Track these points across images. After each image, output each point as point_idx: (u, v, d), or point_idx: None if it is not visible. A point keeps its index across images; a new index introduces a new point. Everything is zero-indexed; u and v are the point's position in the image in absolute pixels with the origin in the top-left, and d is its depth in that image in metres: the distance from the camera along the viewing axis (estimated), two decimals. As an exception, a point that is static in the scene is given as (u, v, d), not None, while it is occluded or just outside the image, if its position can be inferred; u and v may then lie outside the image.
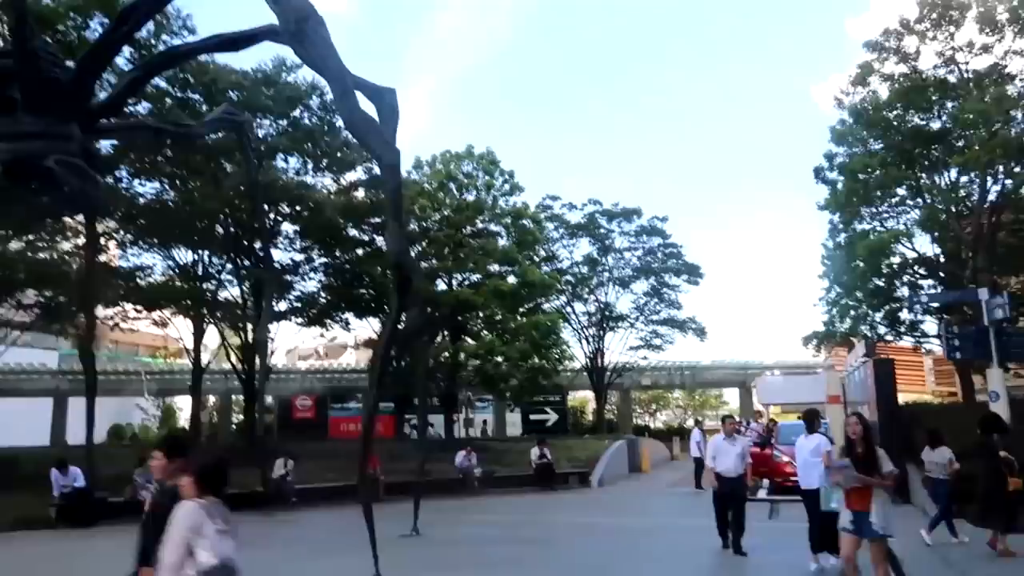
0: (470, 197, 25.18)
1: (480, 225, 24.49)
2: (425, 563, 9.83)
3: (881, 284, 20.07)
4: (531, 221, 25.35)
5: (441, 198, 24.43)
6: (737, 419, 23.59)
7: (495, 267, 24.69)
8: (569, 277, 32.83)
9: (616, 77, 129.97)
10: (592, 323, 33.68)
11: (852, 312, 22.38)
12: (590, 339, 33.71)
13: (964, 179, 18.63)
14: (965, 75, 19.86)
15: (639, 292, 33.43)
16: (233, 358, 22.50)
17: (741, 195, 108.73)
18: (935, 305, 21.61)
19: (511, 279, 23.77)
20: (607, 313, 33.13)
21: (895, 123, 20.04)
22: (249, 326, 20.79)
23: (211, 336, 24.95)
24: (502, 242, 24.26)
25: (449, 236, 23.91)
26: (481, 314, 23.51)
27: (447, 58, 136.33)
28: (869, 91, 20.06)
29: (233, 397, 45.80)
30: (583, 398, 58.65)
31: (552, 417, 44.63)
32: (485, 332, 24.05)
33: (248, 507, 15.91)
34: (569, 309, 33.47)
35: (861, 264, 18.89)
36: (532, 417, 45.08)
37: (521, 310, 23.99)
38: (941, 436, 10.88)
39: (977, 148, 16.34)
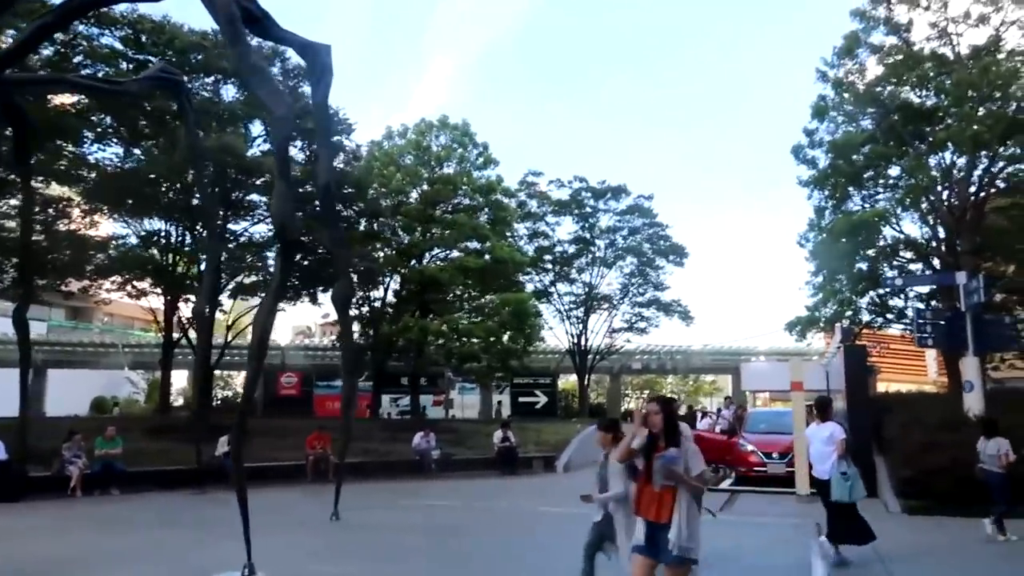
0: (448, 170, 24.35)
1: (455, 200, 23.67)
2: (317, 552, 9.19)
3: (864, 268, 19.11)
4: (504, 196, 24.43)
5: (419, 172, 23.60)
6: (696, 406, 23.27)
7: (472, 244, 23.88)
8: (548, 256, 31.90)
9: (636, 59, 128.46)
10: (577, 304, 32.83)
11: (836, 297, 21.42)
12: (575, 321, 32.91)
13: (959, 160, 17.54)
14: (958, 48, 18.77)
15: (623, 272, 32.59)
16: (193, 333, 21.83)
17: (738, 180, 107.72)
18: (922, 290, 20.69)
19: (487, 256, 22.92)
20: (591, 294, 32.23)
21: (886, 100, 18.96)
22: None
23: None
24: (479, 218, 23.38)
25: (420, 211, 23.12)
26: (448, 291, 22.76)
27: (466, 35, 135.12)
28: (856, 63, 19.00)
29: (218, 372, 45.57)
30: (575, 382, 58.33)
31: (542, 400, 44.06)
32: (463, 312, 23.26)
33: (182, 485, 15.46)
34: (553, 290, 32.73)
35: (844, 243, 17.93)
36: (521, 400, 44.57)
37: (496, 289, 23.09)
38: (996, 426, 10.14)
39: (963, 124, 15.33)
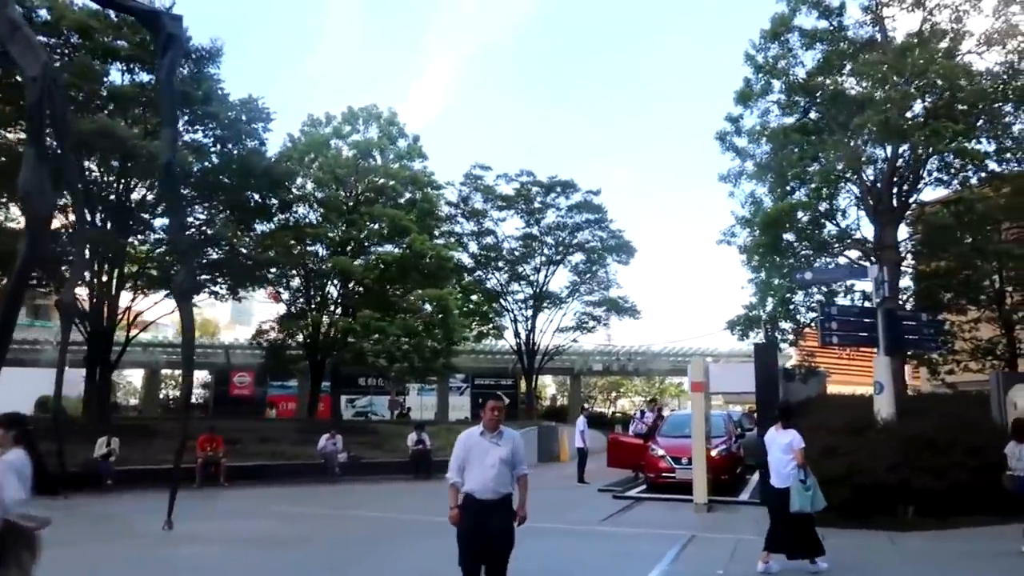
0: (376, 162, 23.40)
1: (380, 192, 22.75)
2: (73, 568, 8.06)
3: (799, 264, 18.12)
4: (432, 188, 23.48)
5: (344, 163, 22.60)
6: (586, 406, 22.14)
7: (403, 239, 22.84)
8: (495, 254, 30.94)
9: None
10: (526, 304, 31.88)
11: (775, 295, 20.43)
12: (523, 320, 31.98)
13: (880, 151, 16.58)
14: (892, 34, 17.80)
15: (572, 269, 31.71)
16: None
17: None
18: (867, 287, 19.72)
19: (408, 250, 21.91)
20: (539, 292, 31.28)
21: (817, 89, 17.99)
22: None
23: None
24: (409, 213, 22.34)
25: (342, 204, 22.17)
26: (361, 286, 21.84)
27: (466, 35, 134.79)
28: (786, 49, 18.01)
29: (165, 371, 44.61)
30: (540, 384, 57.47)
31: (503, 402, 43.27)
32: (379, 310, 22.21)
33: (45, 491, 14.45)
34: (507, 291, 31.80)
35: (766, 237, 16.95)
36: (483, 400, 43.73)
37: (422, 286, 22.08)
38: None
39: (883, 110, 14.36)
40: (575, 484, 17.62)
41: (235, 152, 19.77)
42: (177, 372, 45.83)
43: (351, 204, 22.74)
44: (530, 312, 31.76)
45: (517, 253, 31.59)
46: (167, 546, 9.73)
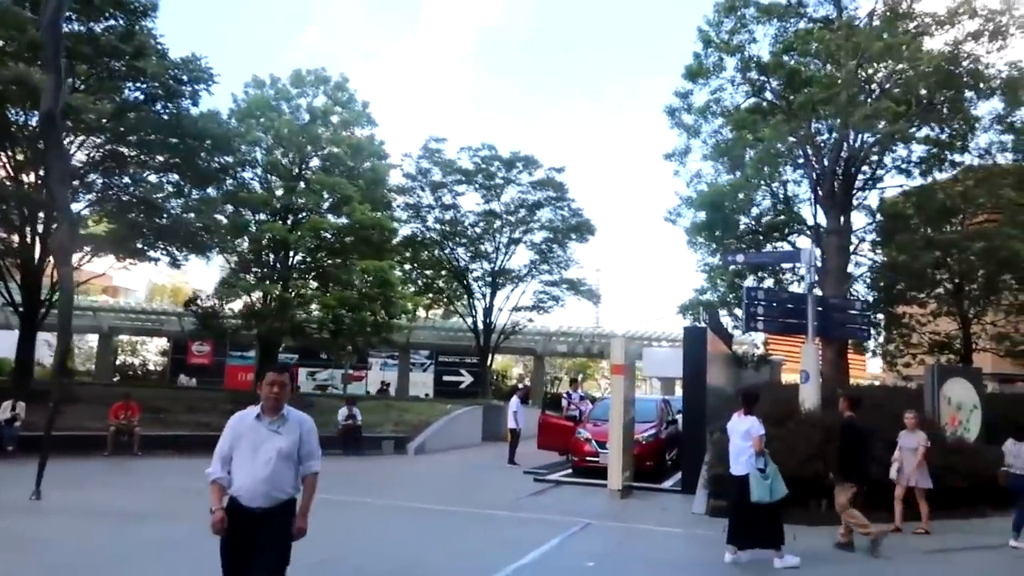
0: (325, 130, 22.56)
1: (325, 159, 21.98)
2: None
3: (740, 247, 17.60)
4: (376, 157, 22.69)
5: (289, 127, 21.73)
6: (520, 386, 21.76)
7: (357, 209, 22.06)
8: (457, 229, 30.26)
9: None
10: (484, 281, 31.26)
11: (722, 279, 19.95)
12: (480, 298, 31.44)
13: (828, 136, 16.02)
14: (854, 12, 17.18)
15: (533, 247, 31.17)
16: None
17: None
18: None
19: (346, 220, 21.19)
20: (496, 269, 30.66)
21: (773, 69, 17.36)
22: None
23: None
24: (351, 182, 21.54)
25: (286, 169, 21.38)
26: (295, 254, 21.18)
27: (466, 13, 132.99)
28: (741, 24, 17.33)
29: (127, 338, 43.78)
30: (507, 362, 57.05)
31: (467, 379, 42.78)
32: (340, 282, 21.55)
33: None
34: (461, 265, 31.18)
35: (708, 217, 16.42)
36: (446, 379, 43.30)
37: (363, 256, 21.35)
38: None
39: (828, 89, 13.77)
40: (505, 465, 17.16)
41: (168, 111, 18.92)
42: (135, 338, 45.14)
43: (295, 171, 21.91)
44: (488, 290, 31.12)
45: (479, 230, 30.90)
46: (24, 517, 9.15)
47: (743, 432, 7.99)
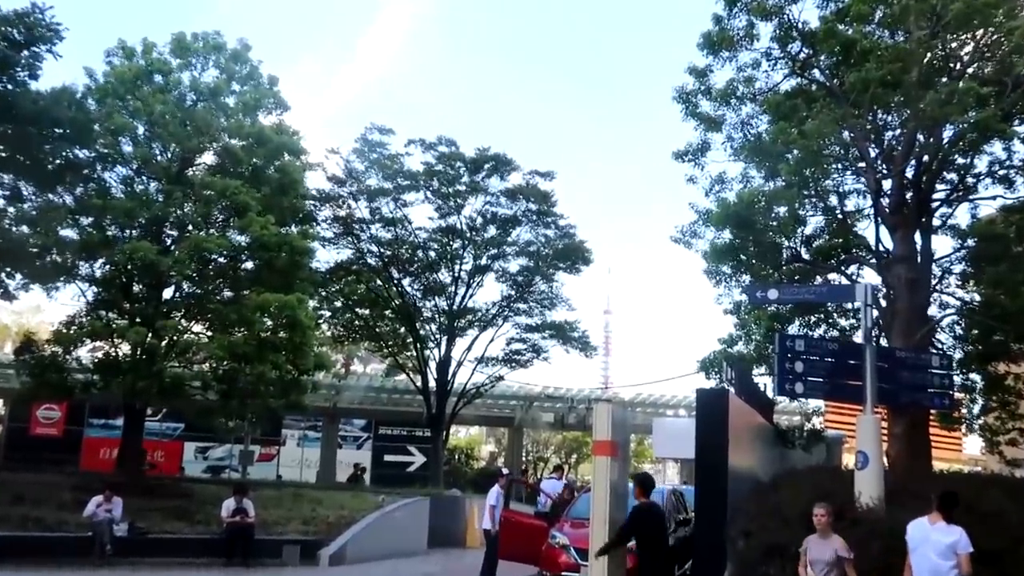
0: (219, 116, 22.39)
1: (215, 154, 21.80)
2: None
3: (775, 276, 17.42)
4: (288, 152, 22.48)
5: (171, 108, 21.51)
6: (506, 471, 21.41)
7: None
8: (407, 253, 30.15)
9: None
10: (439, 325, 31.03)
11: (760, 323, 19.72)
12: (435, 344, 31.23)
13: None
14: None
15: (505, 278, 31.43)
16: None
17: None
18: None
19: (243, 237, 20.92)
20: (455, 309, 30.44)
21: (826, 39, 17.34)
22: None
23: None
24: (249, 186, 21.28)
25: (162, 165, 21.12)
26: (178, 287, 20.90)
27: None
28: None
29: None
30: (473, 436, 56.63)
31: (417, 459, 42.22)
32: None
33: None
34: (411, 303, 30.97)
35: (728, 241, 16.21)
36: (388, 458, 42.75)
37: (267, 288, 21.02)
38: None
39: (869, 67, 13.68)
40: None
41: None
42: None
43: (176, 171, 21.65)
44: (444, 337, 30.86)
45: (433, 253, 30.76)
46: None
47: (944, 547, 8.23)
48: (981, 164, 17.73)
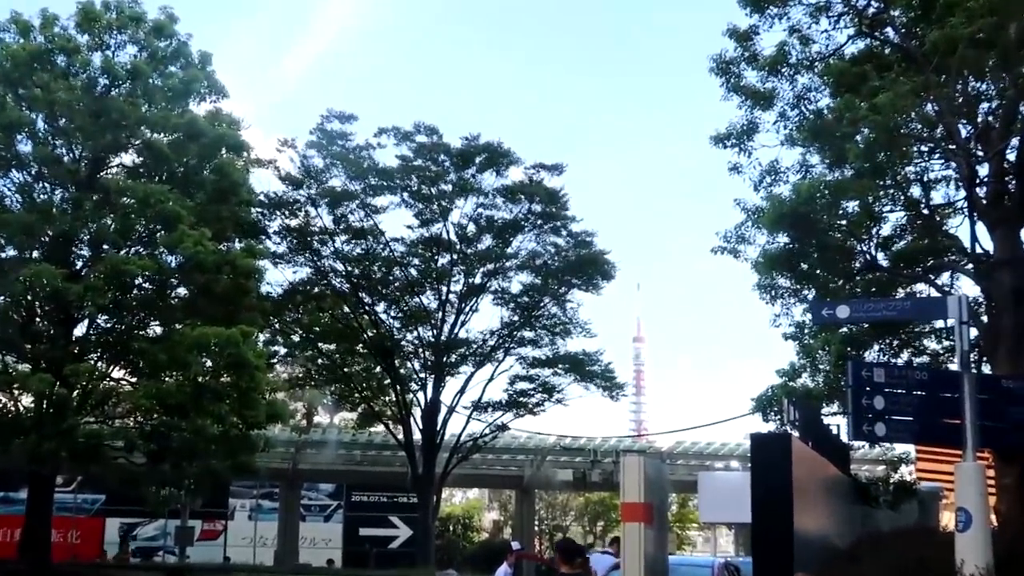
0: (138, 102, 22.66)
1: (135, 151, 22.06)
2: None
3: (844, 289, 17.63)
4: (228, 148, 22.76)
5: (79, 95, 21.81)
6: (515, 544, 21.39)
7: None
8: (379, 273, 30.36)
9: None
10: (423, 362, 31.24)
11: (828, 350, 19.86)
12: (420, 386, 31.49)
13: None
14: None
15: (503, 300, 31.46)
16: None
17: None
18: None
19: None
20: (442, 340, 30.62)
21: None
22: None
23: None
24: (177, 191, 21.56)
25: (68, 166, 21.34)
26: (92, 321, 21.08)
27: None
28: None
29: None
30: (471, 502, 56.74)
31: (402, 533, 42.34)
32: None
33: None
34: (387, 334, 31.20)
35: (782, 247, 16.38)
36: (364, 532, 42.90)
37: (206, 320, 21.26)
38: None
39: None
40: None
41: None
42: None
43: (86, 174, 21.91)
44: (431, 376, 31.06)
45: (413, 271, 30.98)
46: None
47: None
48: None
